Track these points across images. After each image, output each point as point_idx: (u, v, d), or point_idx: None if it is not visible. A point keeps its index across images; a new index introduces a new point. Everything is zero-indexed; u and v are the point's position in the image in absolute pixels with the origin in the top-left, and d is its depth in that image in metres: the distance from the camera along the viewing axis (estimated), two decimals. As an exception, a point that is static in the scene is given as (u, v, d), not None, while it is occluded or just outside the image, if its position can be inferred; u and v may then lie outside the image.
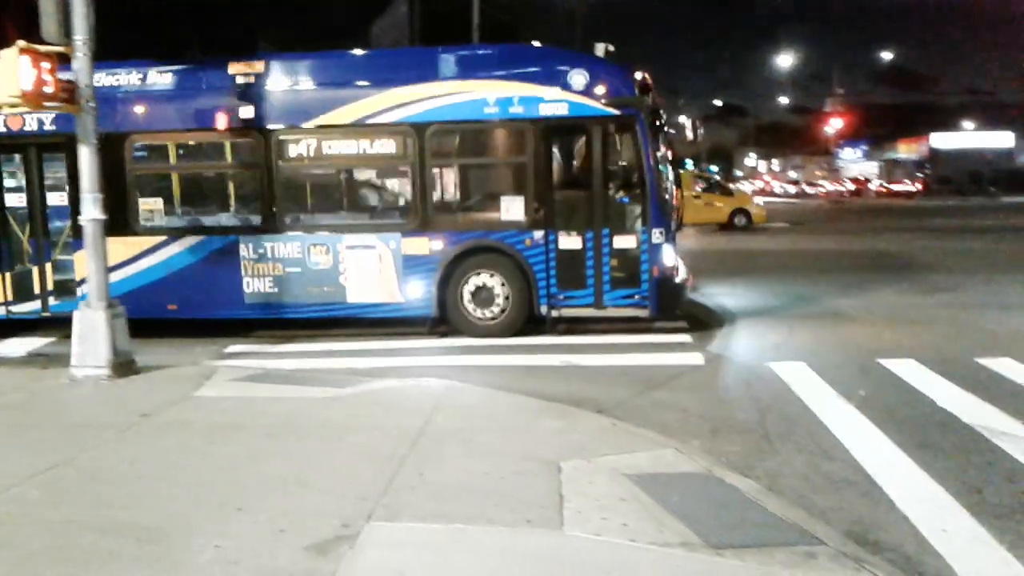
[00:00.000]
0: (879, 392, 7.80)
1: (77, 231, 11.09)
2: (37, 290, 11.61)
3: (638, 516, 4.66)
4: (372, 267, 10.91)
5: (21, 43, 7.70)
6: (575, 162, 11.32)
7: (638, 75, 10.50)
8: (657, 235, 10.35)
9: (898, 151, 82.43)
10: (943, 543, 4.60)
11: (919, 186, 66.98)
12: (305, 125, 10.98)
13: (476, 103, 10.55)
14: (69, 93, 8.24)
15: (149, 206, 11.57)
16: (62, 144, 10.92)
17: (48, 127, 11.16)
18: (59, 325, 10.19)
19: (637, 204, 10.60)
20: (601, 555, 4.20)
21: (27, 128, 11.25)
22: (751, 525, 4.59)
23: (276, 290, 11.10)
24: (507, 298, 10.74)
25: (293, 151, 11.11)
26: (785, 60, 67.00)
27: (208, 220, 11.82)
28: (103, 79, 11.11)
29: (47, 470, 5.64)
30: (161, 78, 11.22)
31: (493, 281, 10.75)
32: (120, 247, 11.12)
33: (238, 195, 12.20)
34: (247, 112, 10.98)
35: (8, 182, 11.83)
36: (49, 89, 7.98)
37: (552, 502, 4.85)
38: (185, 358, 9.72)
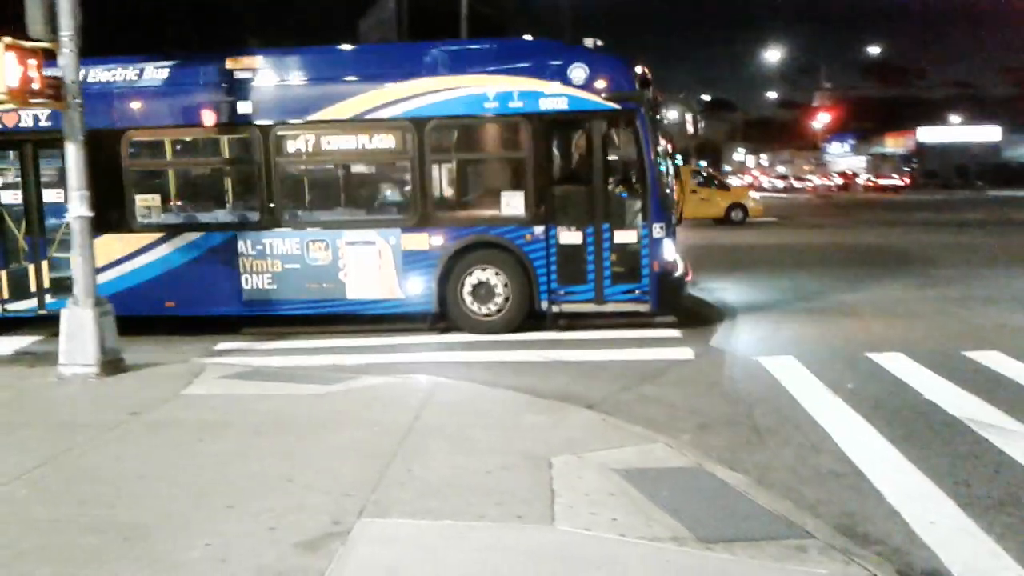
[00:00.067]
0: (867, 385, 7.83)
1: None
2: (33, 288, 11.51)
3: (628, 511, 4.67)
4: (372, 263, 10.86)
5: (7, 39, 7.65)
6: (575, 157, 11.28)
7: (638, 69, 10.47)
8: (658, 230, 10.34)
9: (885, 145, 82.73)
10: (931, 535, 4.62)
11: (906, 180, 67.22)
12: (303, 120, 10.90)
13: (476, 98, 10.51)
14: (55, 89, 8.20)
15: (146, 203, 11.49)
16: (58, 140, 10.80)
17: (44, 123, 11.06)
18: (54, 323, 10.14)
19: (637, 199, 10.56)
20: (591, 550, 4.21)
21: (23, 124, 11.16)
22: (741, 519, 4.60)
23: (275, 287, 11.04)
24: (507, 294, 10.70)
25: (291, 147, 11.06)
26: (773, 55, 67.20)
27: (206, 216, 11.75)
28: (99, 75, 11.07)
29: (35, 468, 5.62)
30: (158, 74, 11.14)
31: (493, 277, 10.71)
32: (117, 244, 11.09)
33: (236, 191, 12.13)
34: (245, 107, 10.91)
35: (4, 179, 11.73)
36: (35, 86, 7.94)
37: (542, 497, 4.85)
38: (174, 356, 9.69)
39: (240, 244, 11.04)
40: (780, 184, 77.41)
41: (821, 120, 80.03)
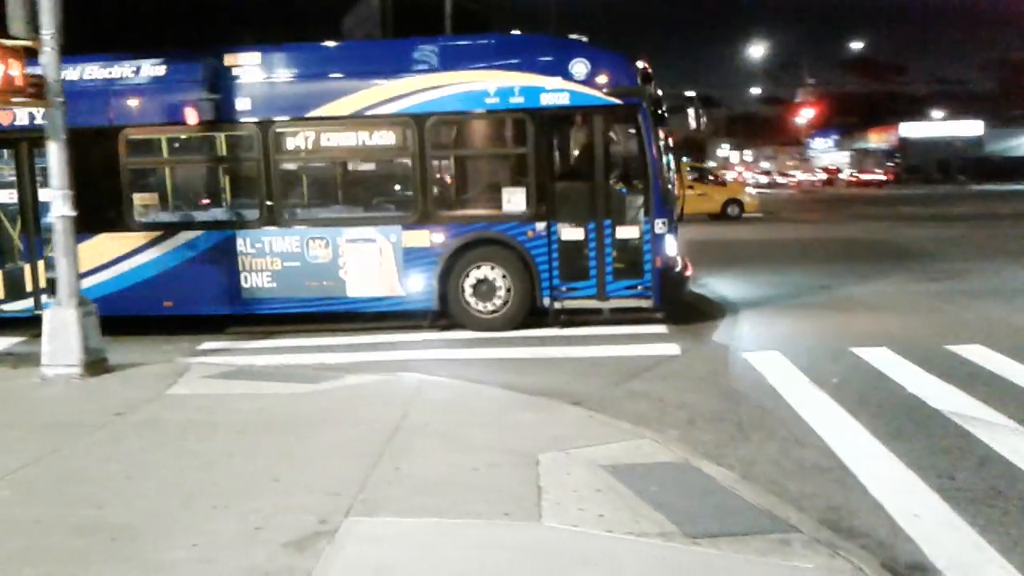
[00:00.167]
0: (852, 380, 7.88)
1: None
2: (29, 288, 11.40)
3: (615, 506, 4.68)
4: (372, 261, 10.81)
5: (-12, 38, 7.60)
6: (577, 152, 11.21)
7: (640, 64, 10.44)
8: (660, 225, 10.32)
9: (868, 141, 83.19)
10: (915, 528, 4.65)
11: (889, 176, 67.62)
12: (303, 117, 10.83)
13: (477, 94, 10.46)
14: (37, 88, 8.14)
15: (144, 201, 11.42)
16: None
17: (40, 121, 10.85)
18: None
19: (639, 194, 10.54)
20: (578, 546, 4.22)
21: (18, 123, 11.04)
22: (727, 513, 4.62)
23: (274, 285, 10.97)
24: (509, 291, 10.67)
25: (291, 144, 10.99)
26: (756, 51, 67.38)
27: (204, 215, 11.67)
28: (95, 72, 10.99)
29: (19, 469, 5.58)
30: (155, 71, 11.05)
31: (495, 274, 10.68)
32: (114, 243, 11.03)
33: (235, 189, 12.06)
34: (243, 104, 10.83)
35: None
36: (17, 84, 7.88)
37: (530, 494, 4.86)
38: (158, 356, 9.65)
39: (239, 242, 10.97)
40: (764, 180, 77.73)
41: (804, 116, 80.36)
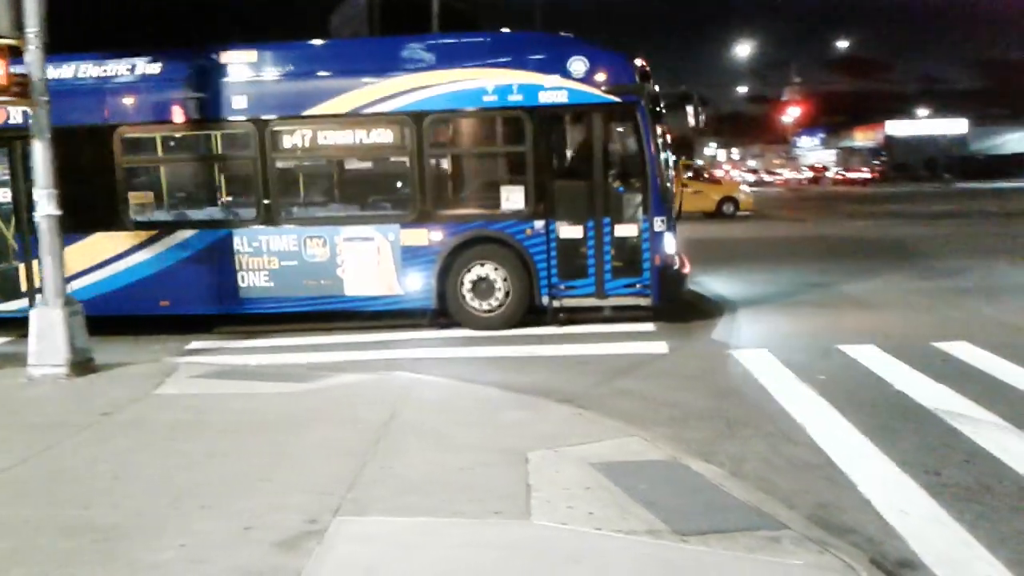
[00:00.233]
0: (839, 377, 7.91)
1: (64, 227, 10.91)
2: (24, 288, 11.29)
3: (604, 504, 4.68)
4: (370, 259, 10.77)
5: (-30, 37, 7.55)
6: (575, 150, 11.19)
7: (638, 61, 10.43)
8: (659, 223, 10.32)
9: (855, 139, 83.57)
10: (903, 524, 4.68)
11: (875, 174, 67.94)
12: (300, 115, 10.77)
13: (475, 91, 10.42)
14: (22, 87, 8.08)
15: (140, 200, 11.34)
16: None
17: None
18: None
19: (638, 192, 10.52)
20: (568, 544, 4.22)
21: (12, 121, 10.91)
22: (716, 511, 4.63)
23: (272, 284, 10.92)
24: (507, 289, 10.64)
25: (288, 142, 10.92)
26: (743, 50, 67.55)
27: (201, 214, 11.60)
28: (90, 70, 10.92)
29: (6, 470, 5.55)
30: (150, 68, 10.96)
31: (493, 272, 10.65)
32: (110, 242, 10.97)
33: (232, 188, 12.01)
34: (240, 102, 10.77)
35: None
36: (0, 83, 7.82)
37: (519, 492, 4.86)
38: (145, 355, 9.62)
39: (236, 241, 10.91)
40: (751, 178, 77.96)
41: (791, 114, 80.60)
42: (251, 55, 10.85)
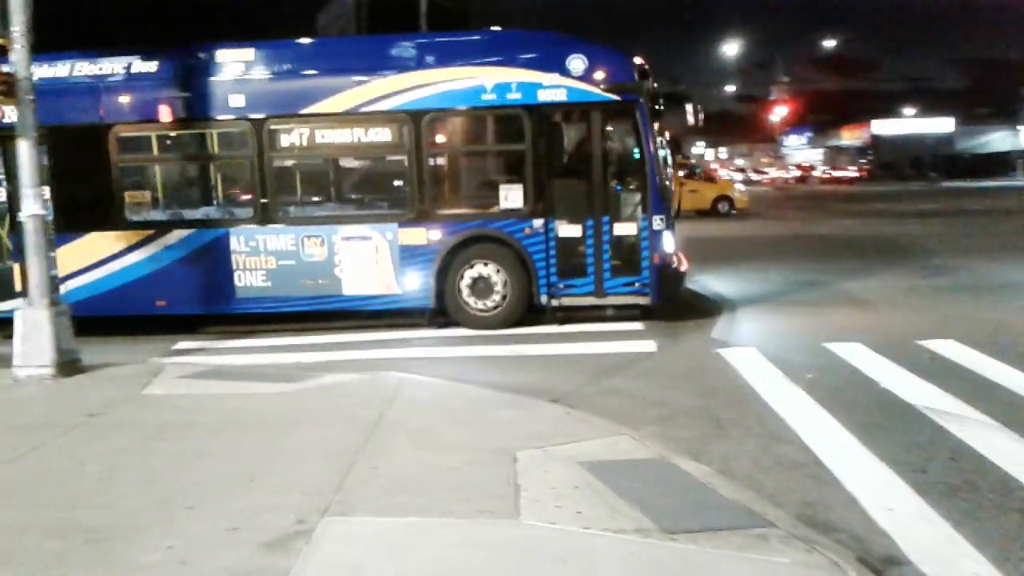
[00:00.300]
0: (826, 375, 7.94)
1: (59, 226, 10.85)
2: (19, 287, 11.22)
3: (592, 503, 4.69)
4: (368, 258, 10.72)
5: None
6: (574, 149, 11.15)
7: (637, 60, 10.42)
8: (658, 222, 10.31)
9: (841, 138, 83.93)
10: (890, 522, 4.70)
11: (862, 173, 68.30)
12: (298, 114, 10.72)
13: (473, 90, 10.39)
14: (8, 86, 8.05)
15: (135, 199, 11.27)
16: (43, 137, 10.60)
17: None
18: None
19: (637, 191, 10.52)
20: (556, 543, 4.22)
21: (5, 120, 10.81)
22: (704, 509, 4.64)
23: (269, 284, 10.86)
24: (506, 288, 10.61)
25: (285, 141, 10.86)
26: (730, 48, 67.71)
27: (197, 213, 11.52)
28: (85, 68, 10.85)
29: (-9, 473, 5.52)
30: (146, 67, 10.89)
31: (491, 271, 10.62)
32: (105, 242, 10.90)
33: (228, 187, 11.94)
34: (237, 101, 10.71)
35: None
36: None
37: (507, 492, 4.86)
38: (132, 356, 9.56)
39: (233, 241, 10.85)
40: (738, 177, 78.22)
41: (778, 113, 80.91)
42: (248, 53, 10.79)
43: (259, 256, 10.83)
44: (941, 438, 6.06)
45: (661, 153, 10.58)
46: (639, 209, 10.48)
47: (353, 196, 11.70)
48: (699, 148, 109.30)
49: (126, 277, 10.97)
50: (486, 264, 10.64)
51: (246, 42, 10.97)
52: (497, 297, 10.66)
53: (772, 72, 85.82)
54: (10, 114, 10.51)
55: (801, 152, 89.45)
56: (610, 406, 7.13)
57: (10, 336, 8.38)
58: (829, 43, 75.41)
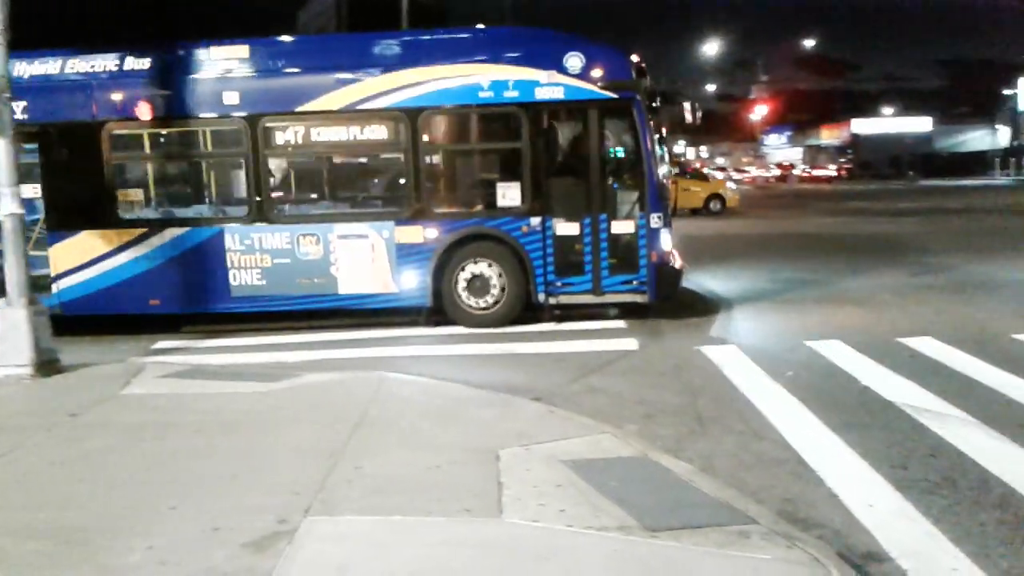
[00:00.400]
0: (807, 373, 7.98)
1: (51, 225, 10.74)
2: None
3: (575, 501, 4.69)
4: (364, 257, 10.66)
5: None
6: (571, 147, 11.08)
7: (634, 57, 10.40)
8: (655, 220, 10.30)
9: (821, 137, 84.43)
10: (870, 518, 4.73)
11: (840, 172, 68.77)
12: (293, 111, 10.65)
13: (470, 87, 10.34)
14: (-16, 84, 7.96)
15: (128, 198, 11.18)
16: (34, 134, 10.55)
17: (19, 115, 10.41)
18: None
19: (635, 189, 10.49)
20: (539, 541, 4.23)
21: None
22: (686, 507, 4.66)
23: (264, 282, 10.79)
24: (503, 287, 10.59)
25: (280, 138, 10.80)
26: (711, 48, 67.93)
27: (191, 211, 11.42)
28: (77, 65, 10.76)
29: (-31, 474, 5.46)
30: (139, 64, 10.78)
31: (489, 270, 10.59)
32: (98, 241, 10.80)
33: (223, 185, 11.85)
34: (231, 98, 10.63)
35: None
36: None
37: (490, 490, 4.86)
38: (111, 356, 9.49)
39: (228, 239, 10.77)
40: (720, 175, 78.43)
41: (758, 113, 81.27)
42: (243, 50, 10.71)
43: (254, 255, 10.77)
44: (920, 435, 6.11)
45: (658, 151, 10.58)
46: (636, 207, 10.46)
47: (349, 194, 11.63)
48: (679, 147, 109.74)
49: (119, 276, 10.89)
50: (483, 262, 10.61)
51: (240, 39, 10.87)
52: (494, 295, 10.64)
53: (752, 71, 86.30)
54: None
55: (781, 151, 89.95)
56: (592, 404, 7.14)
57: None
58: (809, 43, 75.93)
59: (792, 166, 76.06)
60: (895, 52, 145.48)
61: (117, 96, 10.79)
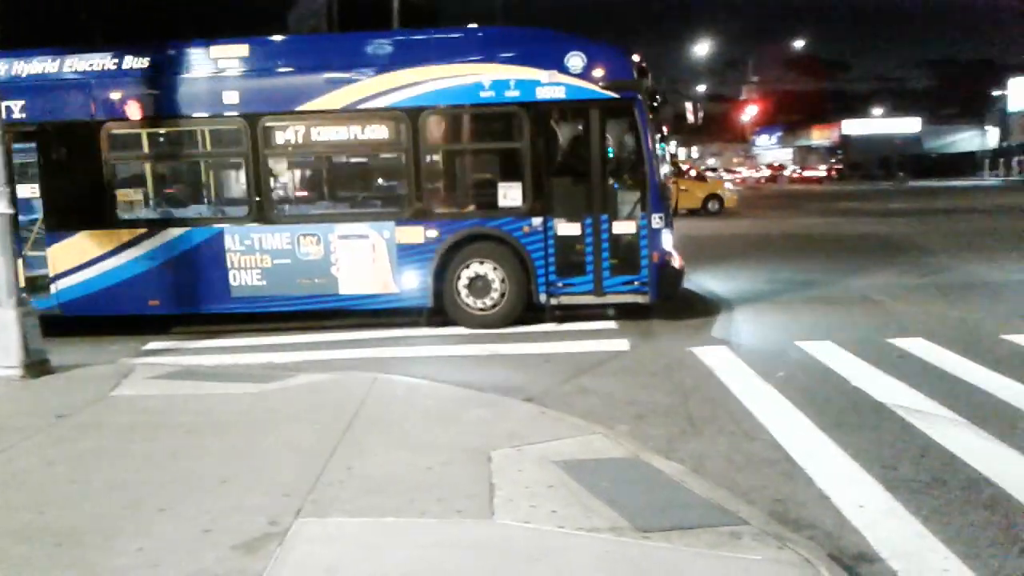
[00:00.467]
0: (798, 374, 8.00)
1: (49, 225, 10.68)
2: None
3: (567, 502, 4.70)
4: (365, 257, 10.62)
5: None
6: (573, 147, 11.02)
7: (635, 57, 10.38)
8: (656, 220, 10.28)
9: (811, 138, 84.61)
10: (860, 518, 4.74)
11: (831, 173, 68.97)
12: (293, 111, 10.60)
13: (471, 87, 10.31)
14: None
15: (127, 198, 11.11)
16: (33, 133, 10.50)
17: (17, 115, 10.51)
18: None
19: (636, 189, 10.47)
20: (531, 542, 4.23)
21: None
22: (677, 507, 4.67)
23: (265, 283, 10.74)
24: (504, 287, 10.56)
25: (280, 138, 10.74)
26: (701, 48, 68.09)
27: (191, 211, 11.36)
28: (76, 64, 10.69)
29: (-43, 476, 5.43)
30: (138, 63, 10.71)
31: (490, 270, 10.55)
32: (97, 241, 10.75)
33: (222, 185, 11.80)
34: (231, 98, 10.57)
35: None
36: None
37: (482, 491, 4.86)
38: (102, 357, 9.45)
39: (228, 240, 10.72)
40: (711, 176, 78.54)
41: (749, 113, 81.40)
42: (243, 49, 10.65)
43: (254, 255, 10.72)
44: (910, 435, 6.13)
45: (659, 151, 10.57)
46: (638, 207, 10.44)
47: (350, 194, 11.58)
48: (671, 147, 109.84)
49: (118, 276, 10.83)
50: (484, 263, 10.58)
51: (240, 38, 10.82)
52: (495, 296, 10.61)
53: (743, 72, 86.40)
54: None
55: (771, 152, 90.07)
56: (584, 405, 7.15)
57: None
58: (799, 43, 76.13)
59: (783, 167, 76.24)
60: (885, 53, 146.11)
61: (116, 95, 10.73)
